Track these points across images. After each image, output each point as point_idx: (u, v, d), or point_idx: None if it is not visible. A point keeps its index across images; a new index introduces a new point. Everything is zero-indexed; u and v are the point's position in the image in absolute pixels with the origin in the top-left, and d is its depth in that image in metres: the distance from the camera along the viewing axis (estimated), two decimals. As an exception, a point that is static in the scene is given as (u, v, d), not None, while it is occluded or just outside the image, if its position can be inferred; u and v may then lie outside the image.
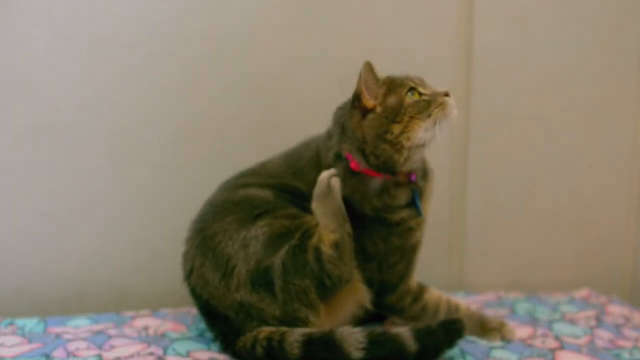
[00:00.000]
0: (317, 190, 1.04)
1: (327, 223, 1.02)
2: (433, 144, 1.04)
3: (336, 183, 1.03)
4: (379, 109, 1.02)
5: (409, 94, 1.02)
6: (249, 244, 1.01)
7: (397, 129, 1.01)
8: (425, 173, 1.12)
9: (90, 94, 1.32)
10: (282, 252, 1.00)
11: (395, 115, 1.01)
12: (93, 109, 1.33)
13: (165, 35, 1.34)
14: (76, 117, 1.32)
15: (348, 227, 1.03)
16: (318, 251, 1.00)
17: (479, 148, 1.51)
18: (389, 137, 1.01)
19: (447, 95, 1.03)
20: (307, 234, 1.02)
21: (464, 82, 1.48)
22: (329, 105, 1.11)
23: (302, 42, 1.40)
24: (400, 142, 1.01)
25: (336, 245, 1.01)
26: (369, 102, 1.03)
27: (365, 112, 1.03)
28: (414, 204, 1.08)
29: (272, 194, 1.09)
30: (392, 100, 1.02)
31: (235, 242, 1.02)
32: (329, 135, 1.10)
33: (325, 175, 1.04)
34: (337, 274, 1.01)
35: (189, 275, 1.09)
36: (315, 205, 1.04)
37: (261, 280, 1.00)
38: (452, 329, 0.99)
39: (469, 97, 1.48)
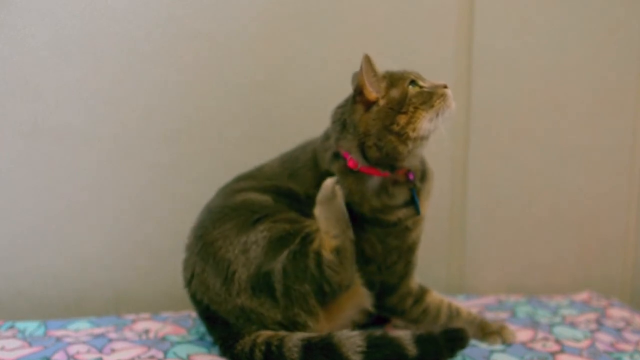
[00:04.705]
0: (321, 195, 1.04)
1: (328, 228, 1.02)
2: (434, 138, 1.04)
3: (340, 190, 1.04)
4: (382, 102, 1.02)
5: (410, 85, 1.03)
6: (249, 248, 1.01)
7: (403, 119, 1.01)
8: (423, 174, 1.12)
9: (89, 94, 1.32)
10: (283, 257, 1.00)
11: (400, 106, 1.01)
12: (93, 109, 1.33)
13: (165, 35, 1.34)
14: (76, 118, 1.32)
15: (350, 233, 1.03)
16: (319, 256, 1.00)
17: (479, 149, 1.50)
18: (395, 128, 1.01)
19: (445, 87, 1.04)
20: (308, 239, 1.02)
21: (464, 82, 1.48)
22: (328, 105, 1.11)
23: (302, 42, 1.40)
24: (406, 133, 1.01)
25: (337, 251, 1.01)
26: (371, 94, 1.02)
27: (368, 105, 1.03)
28: (411, 203, 1.08)
29: (270, 197, 1.08)
30: (395, 92, 1.02)
31: (235, 247, 1.02)
32: (326, 136, 1.10)
33: (330, 180, 1.04)
34: (336, 280, 1.01)
35: (189, 282, 1.08)
36: (318, 210, 1.04)
37: (261, 285, 1.00)
38: (454, 338, 0.98)
39: (469, 97, 1.48)
